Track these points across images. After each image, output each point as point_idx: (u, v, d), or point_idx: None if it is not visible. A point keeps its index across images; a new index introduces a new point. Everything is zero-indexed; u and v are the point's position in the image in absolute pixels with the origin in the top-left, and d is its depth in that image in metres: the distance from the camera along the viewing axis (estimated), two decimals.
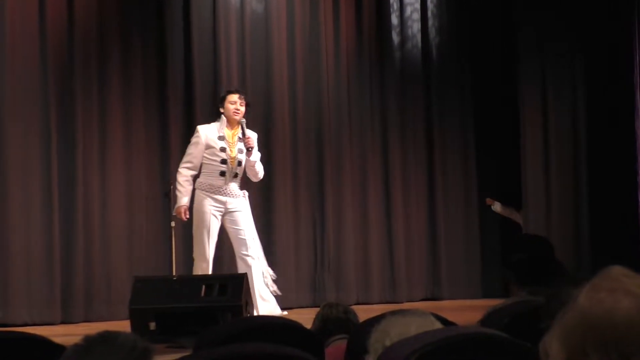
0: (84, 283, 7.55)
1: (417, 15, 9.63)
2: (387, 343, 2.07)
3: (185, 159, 6.74)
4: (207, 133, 6.65)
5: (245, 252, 6.65)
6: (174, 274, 6.77)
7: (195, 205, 6.69)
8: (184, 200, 6.63)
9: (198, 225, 6.65)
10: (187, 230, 6.98)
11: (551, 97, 9.26)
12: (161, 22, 8.19)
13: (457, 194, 9.64)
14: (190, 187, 6.69)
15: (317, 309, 3.85)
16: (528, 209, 9.20)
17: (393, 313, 2.26)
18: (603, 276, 1.37)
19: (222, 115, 6.69)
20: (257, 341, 2.35)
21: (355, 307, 4.19)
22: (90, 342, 1.75)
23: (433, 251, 9.47)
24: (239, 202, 6.69)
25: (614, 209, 8.91)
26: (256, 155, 6.74)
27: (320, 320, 3.69)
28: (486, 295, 9.30)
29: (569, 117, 9.23)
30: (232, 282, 5.94)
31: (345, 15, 9.21)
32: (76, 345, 1.77)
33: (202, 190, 6.65)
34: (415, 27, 9.63)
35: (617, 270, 1.37)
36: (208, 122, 6.89)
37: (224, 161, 6.62)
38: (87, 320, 7.47)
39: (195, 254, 6.67)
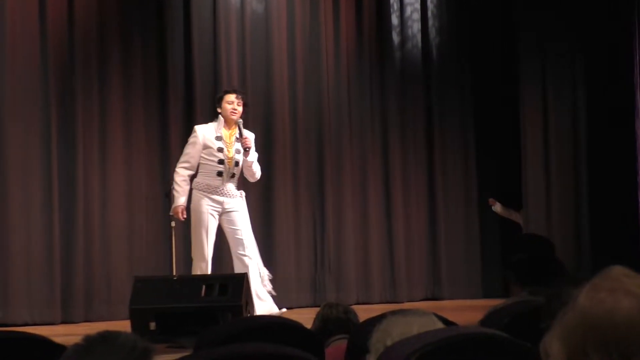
0: (85, 283, 7.56)
1: (417, 16, 9.63)
2: (389, 343, 2.07)
3: (182, 158, 6.74)
4: (205, 133, 6.65)
5: (242, 252, 6.65)
6: (174, 274, 6.77)
7: (192, 205, 6.69)
8: (181, 200, 6.63)
9: (196, 224, 6.65)
10: (188, 230, 6.98)
11: (551, 97, 9.26)
12: (161, 22, 8.19)
13: (457, 194, 9.64)
14: (188, 187, 6.68)
15: (317, 309, 3.85)
16: (528, 209, 9.20)
17: (394, 313, 2.26)
18: (603, 276, 1.37)
19: (220, 115, 6.69)
20: (257, 341, 2.35)
21: (355, 307, 4.19)
22: (90, 342, 1.75)
23: (433, 251, 9.47)
24: (236, 202, 6.70)
25: (614, 209, 8.91)
26: (253, 155, 6.74)
27: (321, 320, 3.69)
28: (486, 295, 9.31)
29: (569, 117, 9.23)
30: (232, 282, 5.94)
31: (346, 16, 9.21)
32: (76, 345, 1.77)
33: (199, 190, 6.65)
34: (415, 27, 9.63)
35: (617, 270, 1.37)
36: (208, 122, 6.89)
37: (221, 161, 6.62)
38: (87, 320, 7.47)
39: (194, 254, 6.67)
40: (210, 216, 6.61)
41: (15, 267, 7.23)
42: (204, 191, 6.63)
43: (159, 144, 8.04)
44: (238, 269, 6.59)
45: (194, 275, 6.51)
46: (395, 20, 9.51)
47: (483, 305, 7.34)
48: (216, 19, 8.46)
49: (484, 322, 2.90)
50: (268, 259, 8.44)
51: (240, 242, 6.65)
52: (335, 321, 3.63)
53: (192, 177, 6.72)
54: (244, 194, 6.80)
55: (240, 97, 6.71)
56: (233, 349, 2.12)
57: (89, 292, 7.58)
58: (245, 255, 6.64)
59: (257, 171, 6.80)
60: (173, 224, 6.78)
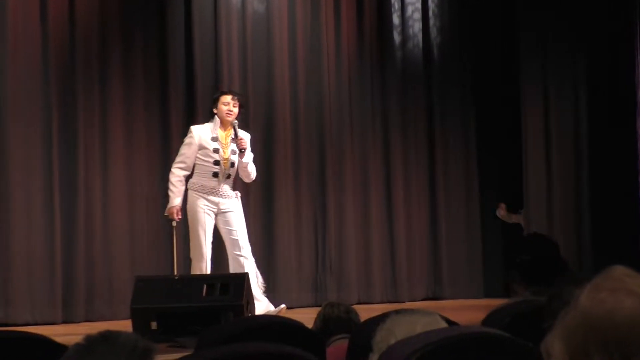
0: (86, 282, 7.56)
1: (418, 15, 9.62)
2: (392, 342, 2.06)
3: (178, 159, 6.74)
4: (201, 134, 6.66)
5: (238, 252, 6.66)
6: (175, 273, 6.77)
7: (188, 205, 6.69)
8: (176, 200, 6.63)
9: (193, 224, 6.65)
10: (188, 230, 6.98)
11: (552, 97, 9.25)
12: (162, 22, 8.19)
13: (458, 194, 9.64)
14: (183, 188, 6.69)
15: (319, 309, 3.85)
16: (529, 208, 9.20)
17: (398, 312, 2.26)
18: (605, 276, 1.36)
19: (216, 116, 6.69)
20: (258, 341, 2.35)
21: (356, 307, 4.19)
22: (91, 342, 1.75)
23: (434, 251, 9.47)
24: (232, 203, 6.70)
25: (615, 209, 8.90)
26: (249, 156, 6.74)
27: (322, 319, 3.69)
28: (488, 295, 9.31)
29: (571, 116, 9.23)
30: (233, 282, 5.94)
31: (347, 15, 9.21)
32: (77, 345, 1.77)
33: (195, 190, 6.65)
34: (416, 26, 9.63)
35: (619, 270, 1.37)
36: (209, 122, 6.89)
37: (216, 162, 6.62)
38: (88, 319, 7.47)
39: (192, 254, 6.67)
40: (206, 215, 6.61)
41: (16, 267, 7.24)
42: (199, 192, 6.63)
43: (160, 144, 8.04)
44: (234, 270, 6.60)
45: (195, 274, 6.51)
46: (396, 19, 9.51)
47: (484, 305, 7.35)
48: (217, 19, 8.46)
49: (485, 322, 2.89)
50: (269, 259, 8.47)
51: (235, 243, 6.66)
52: (337, 321, 3.64)
53: (188, 178, 6.72)
54: (239, 194, 6.80)
55: (236, 98, 6.71)
56: (234, 349, 2.12)
57: (90, 291, 7.58)
58: (241, 256, 6.65)
59: (252, 172, 6.80)
60: (174, 223, 6.78)
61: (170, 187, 6.67)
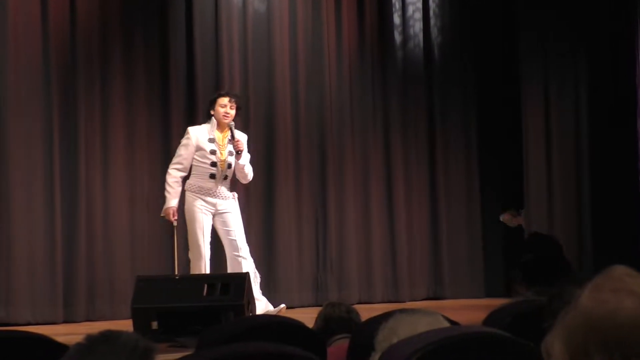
0: (87, 282, 7.56)
1: (419, 15, 9.62)
2: (395, 341, 2.06)
3: (175, 160, 6.74)
4: (198, 135, 6.66)
5: (236, 253, 6.67)
6: (176, 273, 6.77)
7: (186, 206, 6.70)
8: (172, 202, 6.64)
9: (191, 224, 6.65)
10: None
11: (553, 97, 9.25)
12: (163, 22, 8.19)
13: (459, 194, 9.63)
14: (179, 189, 6.69)
15: (319, 309, 3.85)
16: (530, 208, 9.20)
17: (402, 311, 2.26)
18: (606, 276, 1.36)
19: (213, 118, 6.69)
20: (259, 340, 2.35)
21: (357, 307, 4.19)
22: (92, 342, 1.75)
23: (435, 251, 9.47)
24: (229, 204, 6.71)
25: (616, 208, 8.90)
26: (245, 157, 6.74)
27: (323, 319, 3.69)
28: (489, 294, 9.30)
29: (571, 116, 9.23)
30: (234, 282, 5.95)
31: (347, 15, 9.21)
32: (79, 345, 1.77)
33: (192, 192, 6.66)
34: (417, 26, 9.62)
35: (620, 270, 1.36)
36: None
37: (213, 164, 6.62)
38: (89, 319, 7.47)
39: (191, 254, 6.67)
40: (204, 215, 6.62)
41: (17, 267, 7.24)
42: (196, 193, 6.64)
43: (160, 144, 8.04)
44: (233, 270, 6.60)
45: (196, 274, 6.51)
46: (397, 19, 9.50)
47: (485, 304, 7.35)
48: (218, 19, 8.46)
49: (486, 322, 2.90)
50: (270, 259, 8.47)
51: (233, 243, 6.66)
52: (338, 320, 3.63)
53: (185, 179, 6.73)
54: (236, 195, 6.81)
55: (233, 100, 6.71)
56: (235, 349, 2.12)
57: (91, 291, 7.58)
58: (239, 256, 6.66)
59: (249, 173, 6.81)
60: (175, 223, 6.78)
61: (167, 188, 6.67)
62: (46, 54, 7.50)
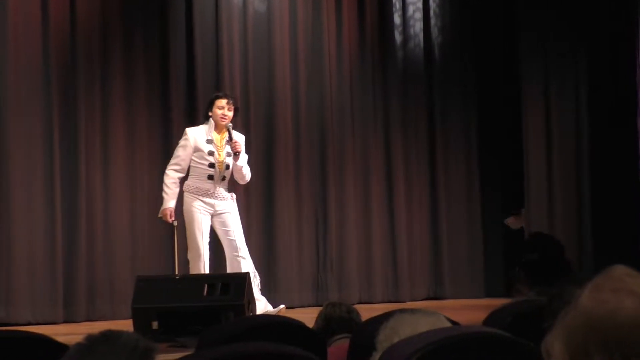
0: (87, 282, 7.56)
1: (419, 15, 9.62)
2: (396, 341, 2.06)
3: (173, 161, 6.73)
4: (196, 136, 6.66)
5: (235, 253, 6.67)
6: (176, 273, 6.77)
7: (184, 207, 6.70)
8: (170, 203, 6.64)
9: (189, 225, 6.65)
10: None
11: (553, 97, 9.25)
12: (164, 22, 8.19)
13: (459, 193, 9.63)
14: (177, 190, 6.69)
15: (320, 308, 3.85)
16: (530, 208, 9.20)
17: (402, 311, 2.26)
18: (606, 276, 1.36)
19: (210, 119, 6.69)
20: (259, 340, 2.35)
21: (357, 306, 4.19)
22: (92, 341, 1.75)
23: (435, 250, 9.47)
24: (227, 205, 6.71)
25: (616, 208, 8.90)
26: (243, 158, 6.74)
27: (323, 319, 3.69)
28: (489, 294, 9.30)
29: (572, 116, 9.23)
30: (234, 282, 5.95)
31: (348, 15, 9.21)
32: (79, 345, 1.77)
33: (190, 193, 6.66)
34: (417, 26, 9.62)
35: (620, 270, 1.36)
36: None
37: (211, 165, 6.62)
38: (89, 319, 7.47)
39: (190, 255, 6.67)
40: (202, 215, 6.62)
41: (17, 266, 7.24)
42: (195, 194, 6.64)
43: (161, 144, 8.04)
44: (232, 270, 6.60)
45: (197, 274, 6.51)
46: (397, 19, 9.50)
47: (485, 304, 7.34)
48: (218, 19, 8.46)
49: (486, 322, 2.90)
50: (270, 259, 8.47)
51: (232, 243, 6.67)
52: (338, 320, 3.64)
53: (183, 180, 6.72)
54: (234, 196, 6.80)
55: (230, 102, 6.70)
56: (235, 348, 2.12)
57: (92, 291, 7.58)
58: (238, 256, 6.66)
59: (247, 174, 6.81)
60: (175, 223, 6.78)
61: (165, 188, 6.67)
62: (46, 53, 7.50)
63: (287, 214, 8.65)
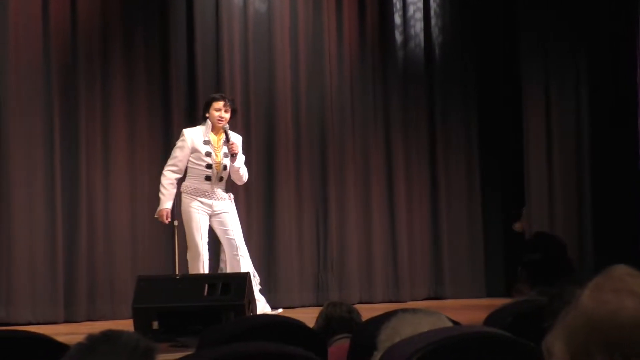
0: (87, 282, 7.56)
1: (420, 15, 9.62)
2: (397, 341, 2.06)
3: (170, 161, 6.73)
4: (193, 137, 6.66)
5: (235, 252, 6.67)
6: (177, 273, 6.77)
7: (182, 207, 6.70)
8: (166, 204, 6.64)
9: (188, 225, 6.66)
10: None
11: (554, 96, 9.26)
12: (164, 21, 8.19)
13: (460, 193, 9.63)
14: (174, 191, 6.68)
15: (320, 308, 3.85)
16: (531, 207, 9.20)
17: (404, 311, 2.26)
18: (607, 276, 1.36)
19: (208, 120, 6.69)
20: (260, 340, 2.35)
21: (358, 306, 4.19)
22: (93, 341, 1.75)
23: (436, 250, 9.46)
24: (225, 205, 6.71)
25: (617, 208, 8.90)
26: (240, 160, 6.73)
27: (324, 319, 3.69)
28: (489, 294, 9.30)
29: (572, 115, 9.23)
30: (235, 282, 5.95)
31: (348, 15, 9.21)
32: (79, 344, 1.77)
33: (188, 193, 6.66)
34: (418, 26, 9.62)
35: (620, 270, 1.36)
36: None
37: (209, 166, 6.62)
38: (90, 319, 7.48)
39: (189, 255, 6.67)
40: (201, 215, 6.62)
41: (18, 266, 7.24)
42: (192, 194, 6.64)
43: (161, 144, 8.04)
44: (231, 269, 6.60)
45: (197, 274, 6.51)
46: (398, 19, 9.50)
47: (486, 304, 7.34)
48: (219, 19, 8.46)
49: (487, 322, 2.90)
50: (270, 259, 8.47)
51: (232, 242, 6.67)
52: (339, 320, 3.63)
53: (180, 181, 6.72)
54: (232, 196, 6.80)
55: (228, 104, 6.70)
56: (236, 348, 2.12)
57: (92, 291, 7.59)
58: (238, 255, 6.65)
59: (244, 174, 6.81)
60: (176, 223, 6.79)
61: (162, 189, 6.67)
62: (47, 53, 7.50)
63: (288, 214, 8.65)
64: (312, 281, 8.73)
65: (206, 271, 6.59)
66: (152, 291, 5.94)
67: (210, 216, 6.67)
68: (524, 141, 9.31)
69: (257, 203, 8.49)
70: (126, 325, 5.77)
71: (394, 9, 9.47)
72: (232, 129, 7.01)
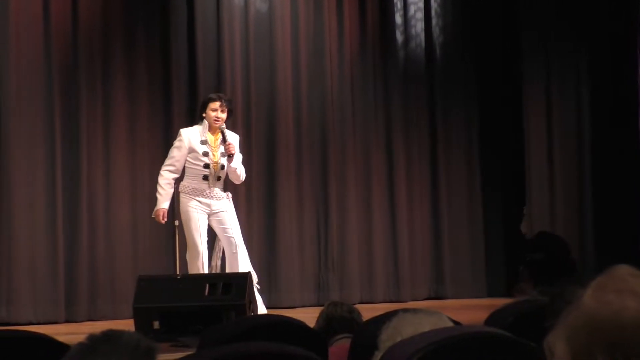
0: (88, 282, 7.57)
1: (420, 15, 9.62)
2: (399, 341, 2.06)
3: (167, 161, 6.72)
4: (190, 137, 6.65)
5: (234, 251, 6.67)
6: (177, 273, 6.77)
7: (181, 207, 6.69)
8: (163, 204, 6.63)
9: (187, 224, 6.65)
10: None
11: (555, 96, 9.26)
12: (165, 21, 8.20)
13: (460, 193, 9.63)
14: (171, 191, 6.67)
15: (321, 308, 3.85)
16: (532, 206, 9.21)
17: (405, 311, 2.26)
18: (608, 276, 1.36)
19: (204, 120, 6.69)
20: (260, 340, 2.35)
21: (358, 306, 4.19)
22: (94, 341, 1.75)
23: (437, 250, 9.47)
24: (223, 204, 6.71)
25: (618, 208, 8.90)
26: (237, 159, 6.72)
27: (325, 319, 3.69)
28: (490, 294, 9.30)
29: (573, 114, 9.23)
30: (235, 281, 5.95)
31: (349, 15, 9.21)
32: (80, 344, 1.77)
33: (186, 193, 6.65)
34: (419, 26, 9.63)
35: (622, 270, 1.36)
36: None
37: (206, 165, 6.62)
38: (91, 319, 7.48)
39: (189, 255, 6.66)
40: (199, 215, 6.62)
41: (19, 266, 7.25)
42: (190, 194, 6.64)
43: (162, 144, 8.03)
44: (230, 268, 6.60)
45: (198, 274, 6.51)
46: (398, 19, 9.51)
47: (487, 304, 7.34)
48: (220, 18, 8.46)
49: (488, 322, 2.89)
50: (271, 258, 8.47)
51: (231, 241, 6.66)
52: (340, 320, 3.63)
53: (178, 180, 6.72)
54: (230, 195, 6.80)
55: (224, 104, 6.69)
56: (236, 348, 2.12)
57: (93, 290, 7.59)
58: (236, 253, 6.65)
59: (241, 174, 6.80)
60: (177, 222, 6.78)
61: (159, 189, 6.66)
62: (48, 53, 7.51)
63: (289, 213, 8.65)
64: (312, 281, 8.73)
65: (206, 271, 6.58)
66: (153, 291, 5.94)
67: (209, 215, 6.67)
68: (524, 141, 9.31)
69: (258, 203, 8.49)
70: (127, 325, 5.77)
71: (395, 9, 9.47)
72: (233, 128, 7.01)
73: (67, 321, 7.32)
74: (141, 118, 8.01)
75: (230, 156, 6.61)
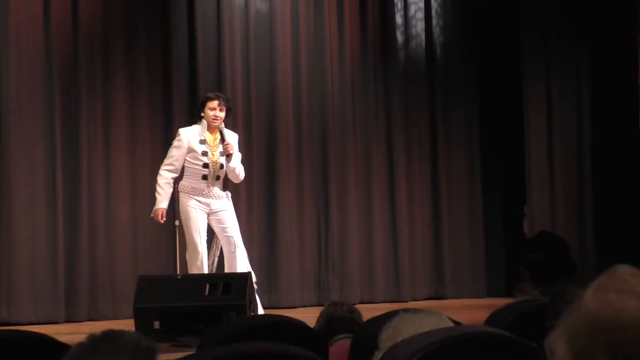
0: (89, 282, 7.57)
1: (421, 15, 9.62)
2: (399, 341, 2.06)
3: (166, 161, 6.71)
4: (189, 136, 6.64)
5: (232, 250, 6.67)
6: (178, 273, 6.77)
7: (180, 207, 6.69)
8: (162, 203, 6.62)
9: (186, 224, 6.65)
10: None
11: (555, 96, 9.26)
12: (165, 22, 8.20)
13: (461, 193, 9.63)
14: (170, 191, 6.67)
15: (321, 308, 3.85)
16: (532, 205, 9.21)
17: (405, 311, 2.26)
18: (609, 276, 1.36)
19: (203, 119, 6.68)
20: (261, 340, 2.35)
21: (359, 306, 4.19)
22: (94, 341, 1.75)
23: (437, 250, 9.46)
24: (223, 203, 6.70)
25: (618, 207, 8.90)
26: (236, 159, 6.72)
27: (325, 319, 3.69)
28: (491, 294, 9.29)
29: (573, 114, 9.24)
30: (236, 281, 5.95)
31: (350, 15, 9.21)
32: (80, 344, 1.77)
33: (186, 193, 6.65)
34: (419, 26, 9.62)
35: (623, 270, 1.36)
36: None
37: (205, 165, 6.62)
38: (91, 319, 7.48)
39: (188, 254, 6.66)
40: (198, 214, 6.61)
41: (19, 266, 7.25)
42: (190, 194, 6.64)
43: (162, 143, 8.02)
44: (229, 267, 6.60)
45: (198, 274, 6.51)
46: (399, 19, 9.51)
47: (487, 304, 7.34)
48: (220, 18, 8.46)
49: (488, 322, 2.89)
50: (271, 258, 8.47)
51: (230, 240, 6.66)
52: (340, 320, 3.63)
53: (177, 180, 6.72)
54: (229, 194, 6.80)
55: (222, 103, 6.68)
56: (237, 348, 2.12)
57: (93, 290, 7.59)
58: (235, 252, 6.65)
59: (240, 173, 6.80)
60: (177, 222, 6.78)
61: (158, 189, 6.66)
62: (48, 53, 7.51)
63: (289, 213, 8.65)
64: (313, 281, 8.73)
65: (205, 270, 6.58)
66: (153, 291, 5.95)
67: (208, 215, 6.67)
68: (525, 141, 9.31)
69: (258, 203, 8.49)
70: (127, 325, 5.77)
71: (395, 9, 9.47)
72: (233, 128, 7.01)
73: (67, 321, 7.32)
74: (141, 118, 8.01)
75: (228, 156, 6.61)
